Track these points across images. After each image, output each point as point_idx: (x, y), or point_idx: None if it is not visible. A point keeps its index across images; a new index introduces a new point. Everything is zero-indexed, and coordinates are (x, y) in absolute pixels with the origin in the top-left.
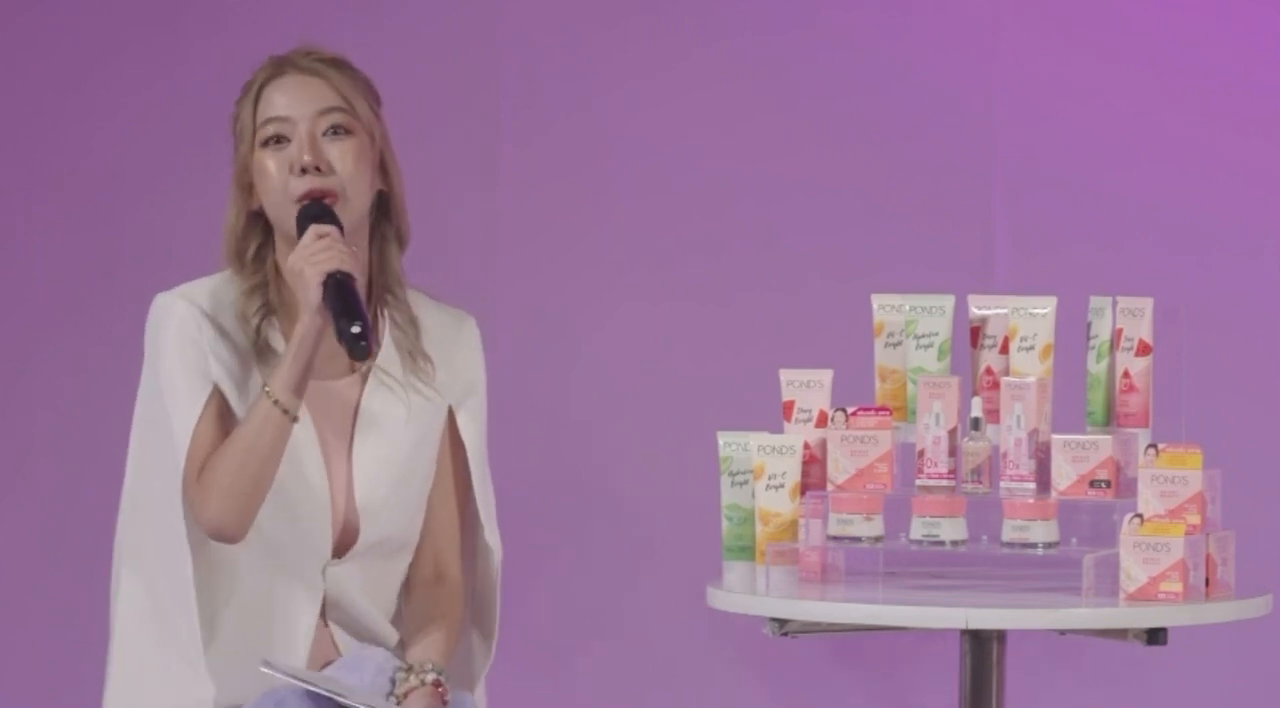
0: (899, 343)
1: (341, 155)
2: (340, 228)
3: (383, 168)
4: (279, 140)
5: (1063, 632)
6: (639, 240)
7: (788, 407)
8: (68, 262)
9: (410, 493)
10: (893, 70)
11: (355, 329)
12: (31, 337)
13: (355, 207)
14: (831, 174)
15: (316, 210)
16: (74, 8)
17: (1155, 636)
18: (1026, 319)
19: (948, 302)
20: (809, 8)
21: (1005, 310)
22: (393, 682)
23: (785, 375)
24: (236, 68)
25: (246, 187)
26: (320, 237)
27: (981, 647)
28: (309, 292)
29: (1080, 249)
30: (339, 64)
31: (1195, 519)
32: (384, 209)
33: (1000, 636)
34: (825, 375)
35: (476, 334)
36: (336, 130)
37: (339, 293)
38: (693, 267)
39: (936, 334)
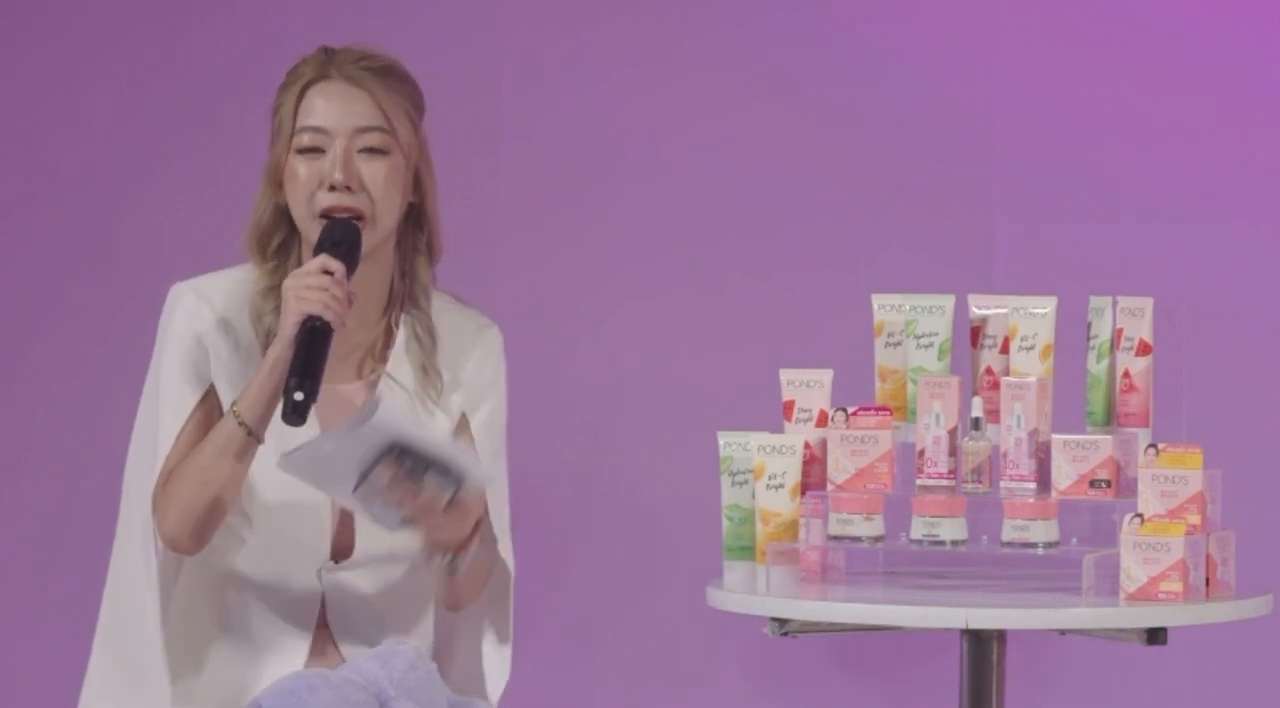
0: (899, 343)
1: (373, 176)
2: (355, 264)
3: (418, 183)
4: (314, 150)
5: (1063, 632)
6: (638, 239)
7: (788, 407)
8: (68, 261)
9: None
10: (893, 68)
11: (298, 396)
12: (31, 337)
13: (381, 227)
14: (833, 172)
15: (340, 234)
16: (73, 6)
17: (1155, 636)
18: (1026, 319)
19: (948, 301)
20: (810, 1)
21: (1005, 310)
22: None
23: (785, 375)
24: (236, 65)
25: (278, 181)
26: (323, 272)
27: (981, 647)
28: (287, 322)
29: (1080, 248)
30: (386, 74)
31: (1195, 519)
32: (416, 219)
33: (1000, 636)
34: (825, 375)
35: (496, 344)
36: (374, 150)
37: (308, 344)
38: (693, 266)
39: (936, 334)
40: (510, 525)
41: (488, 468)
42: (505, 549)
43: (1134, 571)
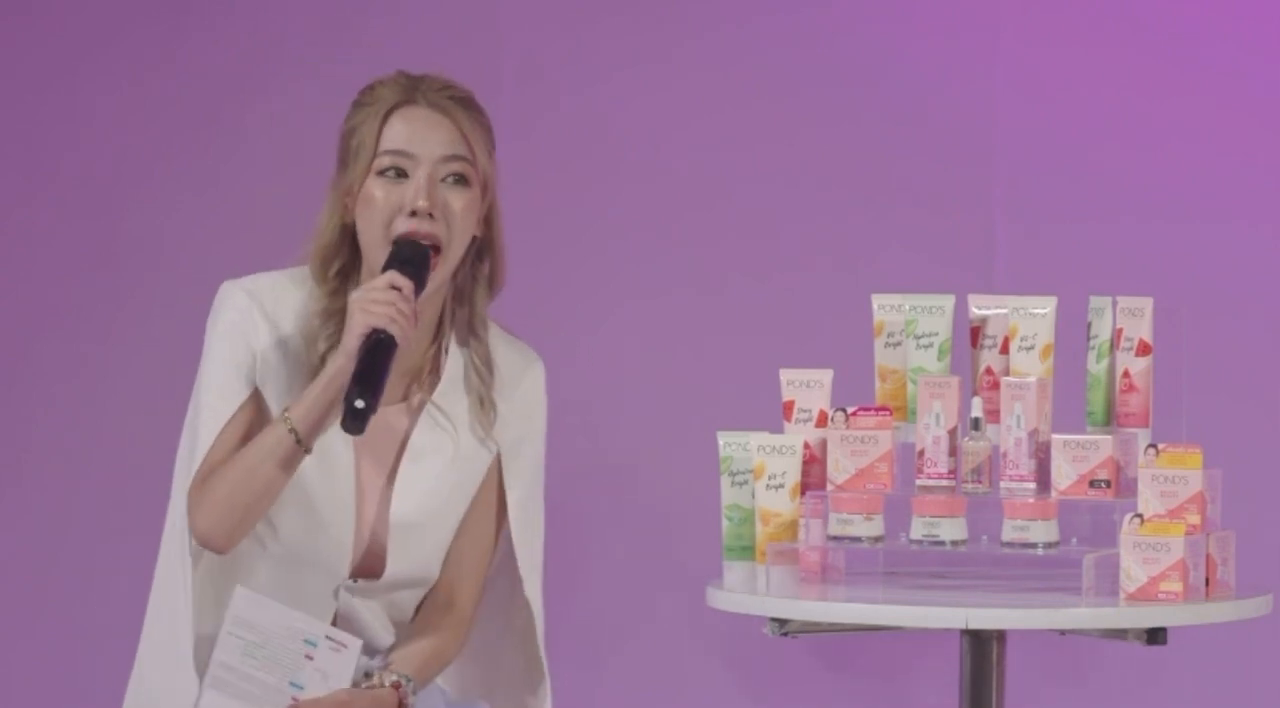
0: (899, 343)
1: (454, 204)
2: (422, 284)
3: (487, 216)
4: (398, 174)
5: (1063, 632)
6: (638, 239)
7: (788, 407)
8: (68, 261)
9: (443, 533)
10: (893, 68)
11: (359, 403)
12: (31, 337)
13: (452, 258)
14: (833, 172)
15: (409, 253)
16: (72, 6)
17: (1155, 636)
18: (1026, 319)
19: (947, 302)
20: (810, 1)
21: (1005, 310)
22: (367, 675)
23: (785, 375)
24: (236, 65)
25: (348, 202)
26: (391, 288)
27: (981, 647)
28: (351, 335)
29: (1080, 248)
30: (469, 105)
31: (1195, 519)
32: (479, 252)
33: (1000, 636)
34: (825, 375)
35: (540, 379)
36: (457, 179)
37: (372, 356)
38: (693, 266)
39: (936, 334)
40: (540, 565)
41: (523, 505)
42: (532, 589)
43: (1134, 571)
